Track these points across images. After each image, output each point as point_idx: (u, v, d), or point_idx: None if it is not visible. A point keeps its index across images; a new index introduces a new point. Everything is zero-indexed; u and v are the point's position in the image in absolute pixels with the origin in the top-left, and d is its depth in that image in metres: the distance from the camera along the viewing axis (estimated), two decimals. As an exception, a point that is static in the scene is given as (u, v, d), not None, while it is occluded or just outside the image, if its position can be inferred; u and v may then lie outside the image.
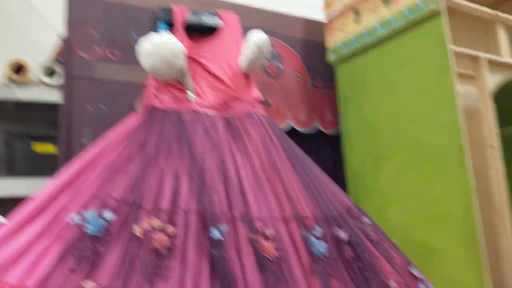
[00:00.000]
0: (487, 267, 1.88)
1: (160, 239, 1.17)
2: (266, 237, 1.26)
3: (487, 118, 2.06)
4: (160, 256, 1.15)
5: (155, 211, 1.24)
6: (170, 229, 1.21)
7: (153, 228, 1.20)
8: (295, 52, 2.60)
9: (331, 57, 2.54)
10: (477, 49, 2.17)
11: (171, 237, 1.19)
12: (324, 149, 2.56)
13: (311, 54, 2.65)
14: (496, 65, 2.17)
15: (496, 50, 2.27)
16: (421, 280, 1.37)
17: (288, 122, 2.44)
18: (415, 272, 1.38)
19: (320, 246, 1.29)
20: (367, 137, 2.34)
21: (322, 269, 1.23)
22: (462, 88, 2.06)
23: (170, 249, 1.17)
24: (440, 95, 2.03)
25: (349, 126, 2.44)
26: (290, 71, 2.55)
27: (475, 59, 2.12)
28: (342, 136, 2.48)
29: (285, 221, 1.33)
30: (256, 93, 1.72)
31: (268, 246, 1.23)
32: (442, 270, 1.92)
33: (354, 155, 2.41)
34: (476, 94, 2.12)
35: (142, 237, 1.18)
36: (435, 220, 1.99)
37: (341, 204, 1.47)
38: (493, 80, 2.14)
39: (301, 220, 1.34)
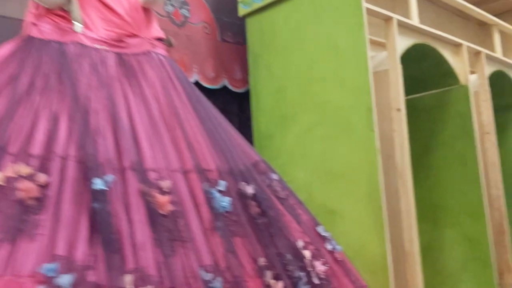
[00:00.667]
0: (387, 229, 1.88)
1: (27, 188, 0.96)
2: (161, 190, 1.09)
3: (395, 81, 2.03)
4: (25, 209, 0.94)
5: (23, 155, 1.02)
6: (41, 177, 1.00)
7: (19, 175, 0.98)
8: (204, 1, 2.40)
9: (242, 10, 2.37)
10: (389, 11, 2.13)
11: (41, 186, 0.98)
12: (231, 107, 2.42)
13: (221, 5, 2.47)
14: (405, 28, 2.15)
15: (406, 14, 2.25)
16: (328, 240, 1.29)
17: (194, 77, 2.25)
18: (322, 231, 1.30)
19: (223, 201, 1.15)
20: (275, 96, 2.24)
21: (224, 226, 1.10)
22: (372, 49, 2.02)
23: (39, 201, 0.96)
24: (351, 54, 1.97)
25: (258, 84, 2.32)
26: (197, 21, 2.35)
27: (387, 20, 2.08)
28: (250, 95, 2.35)
29: (185, 173, 1.17)
30: (157, 31, 1.51)
31: (162, 200, 1.07)
32: (344, 231, 1.89)
33: (262, 114, 2.29)
34: (386, 56, 2.09)
35: (4, 185, 0.96)
36: (340, 181, 1.95)
37: (248, 159, 1.34)
38: (402, 43, 2.12)
39: (203, 173, 1.19)
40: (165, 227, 1.03)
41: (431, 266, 2.55)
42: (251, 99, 2.34)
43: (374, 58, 2.12)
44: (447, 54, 2.38)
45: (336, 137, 1.98)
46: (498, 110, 2.70)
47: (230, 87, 2.42)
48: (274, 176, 1.36)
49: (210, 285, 1.01)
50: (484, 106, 2.57)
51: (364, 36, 1.91)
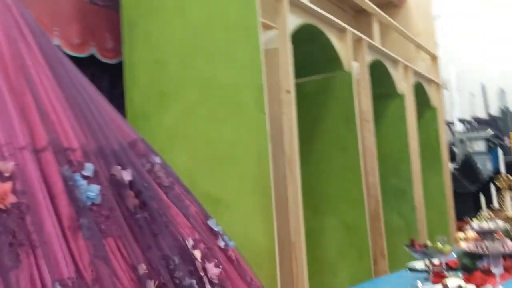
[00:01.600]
0: (275, 220, 1.75)
1: None
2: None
3: (285, 61, 1.90)
4: None
5: None
6: None
7: None
8: (68, -47, 2.02)
9: (115, -32, 2.05)
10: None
11: None
12: (100, 81, 2.08)
13: (90, -40, 2.11)
14: (296, 7, 2.03)
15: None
16: (220, 235, 1.09)
17: (54, 42, 1.88)
18: (213, 226, 1.10)
19: (90, 191, 0.89)
20: (153, 69, 1.97)
21: (91, 224, 0.84)
22: (263, 27, 1.86)
23: None
24: (242, 28, 1.79)
25: (133, 55, 2.03)
26: (60, -24, 1.98)
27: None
28: (124, 67, 2.05)
29: (36, 152, 0.88)
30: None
31: (1, 189, 0.77)
32: (229, 221, 1.70)
33: (137, 90, 2.01)
34: (276, 34, 1.95)
35: None
36: (226, 167, 1.77)
37: (124, 137, 1.08)
38: (292, 22, 2.00)
39: (62, 153, 0.90)
40: (5, 228, 0.74)
41: (310, 254, 2.50)
42: (125, 72, 2.04)
43: (264, 35, 1.96)
44: (333, 39, 2.33)
45: (222, 118, 1.79)
46: (375, 98, 2.74)
47: (99, 57, 2.09)
48: (157, 160, 1.12)
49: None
50: (363, 93, 2.58)
51: (256, 9, 1.74)
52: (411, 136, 3.10)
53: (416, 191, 3.07)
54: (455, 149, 5.85)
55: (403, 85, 3.10)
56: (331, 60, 2.38)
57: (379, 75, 2.83)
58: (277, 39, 1.93)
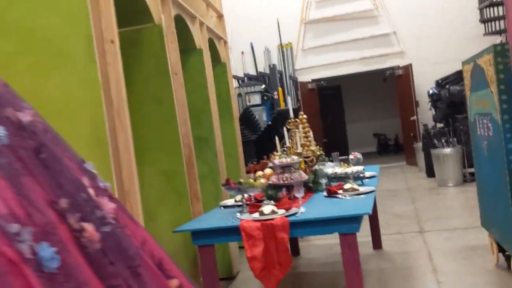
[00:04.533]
0: (113, 171, 1.78)
1: None
2: None
3: (108, 9, 1.87)
4: None
5: None
6: None
7: None
8: None
9: None
10: None
11: None
12: None
13: None
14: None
15: None
16: (97, 177, 1.09)
17: None
18: (90, 168, 1.08)
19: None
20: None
21: (7, 163, 0.78)
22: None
23: None
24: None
25: None
26: None
27: None
28: None
29: None
30: None
31: None
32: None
33: None
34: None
35: None
36: (56, 120, 1.68)
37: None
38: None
39: None
40: None
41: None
42: None
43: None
44: (143, -10, 2.35)
45: (48, 69, 1.69)
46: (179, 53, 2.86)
47: None
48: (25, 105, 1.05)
49: (18, 238, 0.71)
50: (172, 47, 2.69)
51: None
52: (210, 89, 3.35)
53: (217, 139, 3.37)
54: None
55: (201, 40, 3.30)
56: (142, 12, 2.41)
57: (180, 30, 2.96)
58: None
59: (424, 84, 7.64)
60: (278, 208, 2.16)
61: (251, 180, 2.37)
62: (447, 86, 6.37)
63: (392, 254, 3.39)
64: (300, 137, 2.86)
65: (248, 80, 7.77)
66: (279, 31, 8.33)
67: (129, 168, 1.90)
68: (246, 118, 5.90)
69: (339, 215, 2.01)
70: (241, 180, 2.38)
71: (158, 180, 2.55)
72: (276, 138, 2.89)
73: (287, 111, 3.16)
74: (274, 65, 8.33)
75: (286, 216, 2.08)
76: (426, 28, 7.96)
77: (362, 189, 2.46)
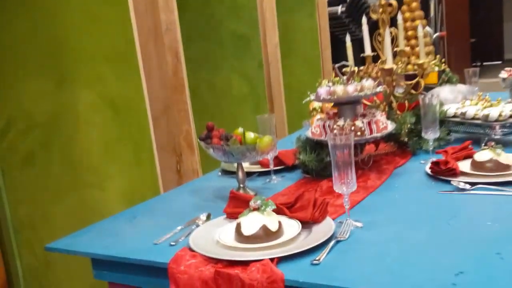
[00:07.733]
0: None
1: None
2: None
3: None
4: None
5: None
6: None
7: None
8: None
9: None
10: None
11: None
12: None
13: None
14: None
15: None
16: None
17: None
18: None
19: None
20: None
21: None
22: None
23: None
24: None
25: None
26: None
27: None
28: None
29: None
30: None
31: None
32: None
33: None
34: None
35: None
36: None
37: None
38: None
39: None
40: None
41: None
42: None
43: None
44: None
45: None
46: None
47: None
48: None
49: None
50: None
51: None
52: None
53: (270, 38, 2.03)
54: None
55: None
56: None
57: None
58: None
59: None
60: (291, 217, 0.86)
61: (250, 135, 1.06)
62: None
63: None
64: (396, 37, 1.38)
65: None
66: None
67: None
68: (355, 6, 4.31)
69: None
70: (230, 134, 1.08)
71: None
72: (348, 37, 1.44)
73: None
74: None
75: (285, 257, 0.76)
76: None
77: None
